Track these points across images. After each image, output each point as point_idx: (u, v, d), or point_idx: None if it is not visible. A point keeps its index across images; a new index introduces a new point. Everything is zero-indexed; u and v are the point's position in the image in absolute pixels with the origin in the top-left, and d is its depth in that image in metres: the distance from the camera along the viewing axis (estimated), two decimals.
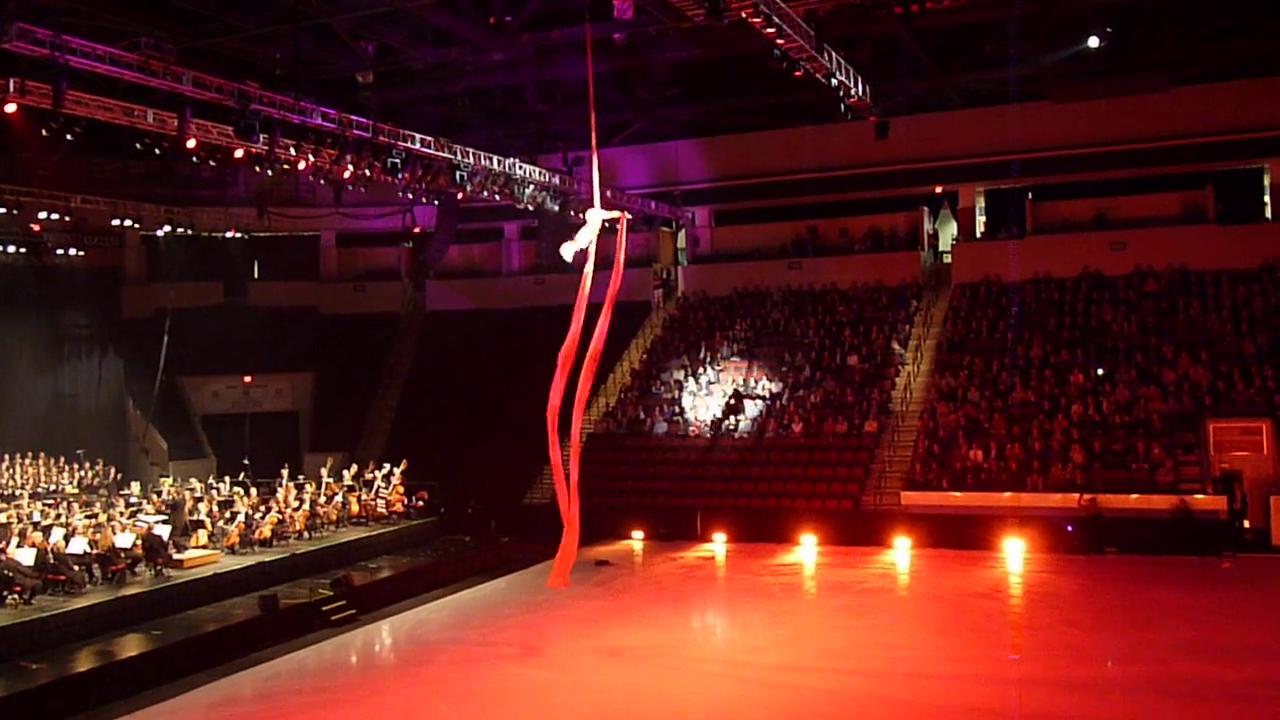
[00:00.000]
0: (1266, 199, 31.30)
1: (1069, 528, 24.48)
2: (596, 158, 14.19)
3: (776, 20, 18.04)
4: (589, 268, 13.29)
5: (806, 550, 25.98)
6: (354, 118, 22.41)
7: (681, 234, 38.45)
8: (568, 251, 13.12)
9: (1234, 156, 30.96)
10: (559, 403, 13.42)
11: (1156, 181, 32.17)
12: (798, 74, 20.43)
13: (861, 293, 34.21)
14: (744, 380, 32.08)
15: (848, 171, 34.29)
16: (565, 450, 13.96)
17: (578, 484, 13.27)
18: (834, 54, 21.22)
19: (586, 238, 13.44)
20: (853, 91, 22.42)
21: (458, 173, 25.56)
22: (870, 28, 23.43)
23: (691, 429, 31.07)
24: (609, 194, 30.79)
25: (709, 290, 36.66)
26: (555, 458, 13.15)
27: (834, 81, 21.61)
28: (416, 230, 35.76)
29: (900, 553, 25.22)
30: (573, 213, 28.17)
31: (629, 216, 13.19)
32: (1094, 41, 26.47)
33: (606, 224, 13.61)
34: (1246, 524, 24.34)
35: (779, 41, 18.81)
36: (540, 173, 28.31)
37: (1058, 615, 18.86)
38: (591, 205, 13.92)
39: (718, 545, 27.02)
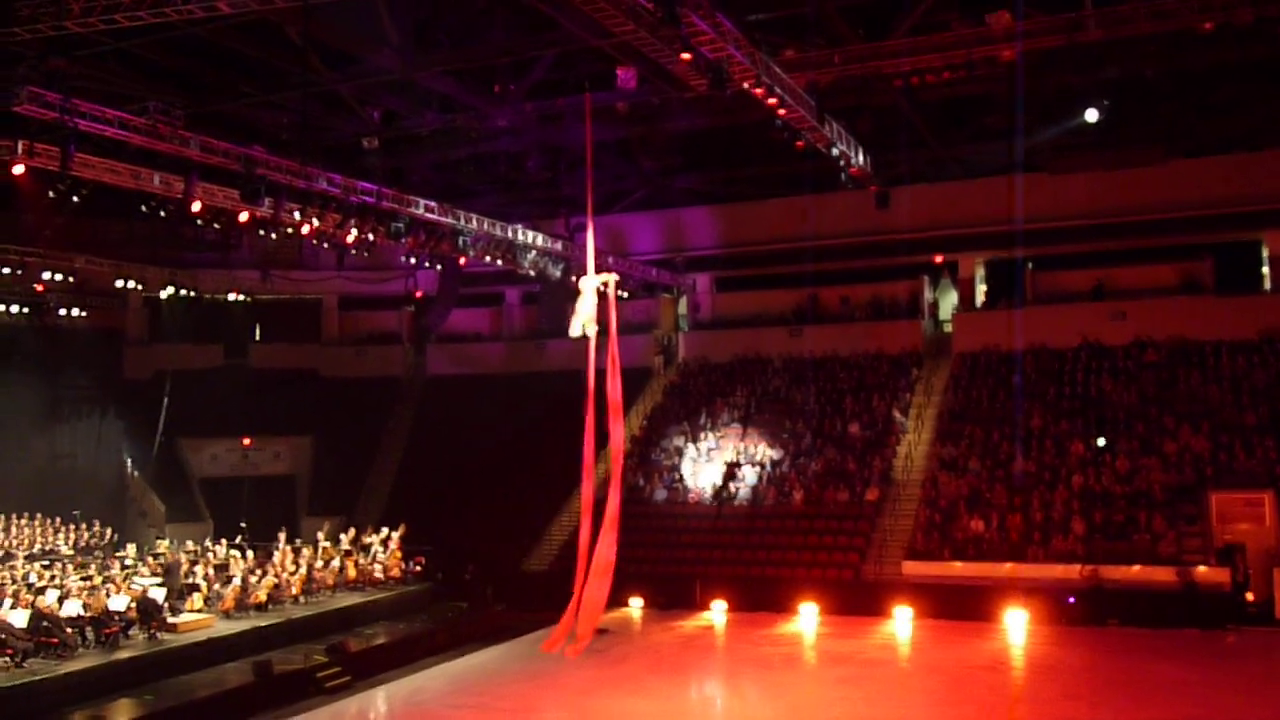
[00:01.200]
0: (1265, 270, 31.45)
1: (1071, 599, 24.31)
2: (592, 226, 14.18)
3: (778, 91, 18.36)
4: (593, 335, 13.26)
5: (807, 620, 25.75)
6: (359, 183, 22.71)
7: (683, 300, 38.66)
8: (576, 328, 13.03)
9: (1232, 228, 31.09)
10: (591, 490, 13.19)
11: (1155, 252, 32.31)
12: (799, 144, 20.74)
13: (862, 360, 34.31)
14: (744, 447, 32.08)
15: (848, 240, 34.54)
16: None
17: (606, 561, 12.83)
18: (835, 124, 21.57)
19: (586, 310, 13.32)
20: (854, 161, 22.75)
21: (460, 238, 25.90)
22: (871, 99, 23.77)
23: (691, 496, 31.01)
24: (610, 260, 31.00)
25: (710, 356, 36.75)
26: (584, 538, 12.85)
27: (835, 151, 21.94)
28: (418, 294, 36.01)
29: (901, 623, 24.96)
30: (573, 278, 28.45)
31: (616, 278, 13.07)
32: (1092, 115, 26.75)
33: (601, 288, 13.53)
34: (1250, 597, 24.15)
35: (781, 112, 19.11)
36: (542, 238, 28.60)
37: (1059, 688, 18.67)
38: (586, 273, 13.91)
39: (717, 614, 26.84)
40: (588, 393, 12.65)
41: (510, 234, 27.42)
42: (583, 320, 13.18)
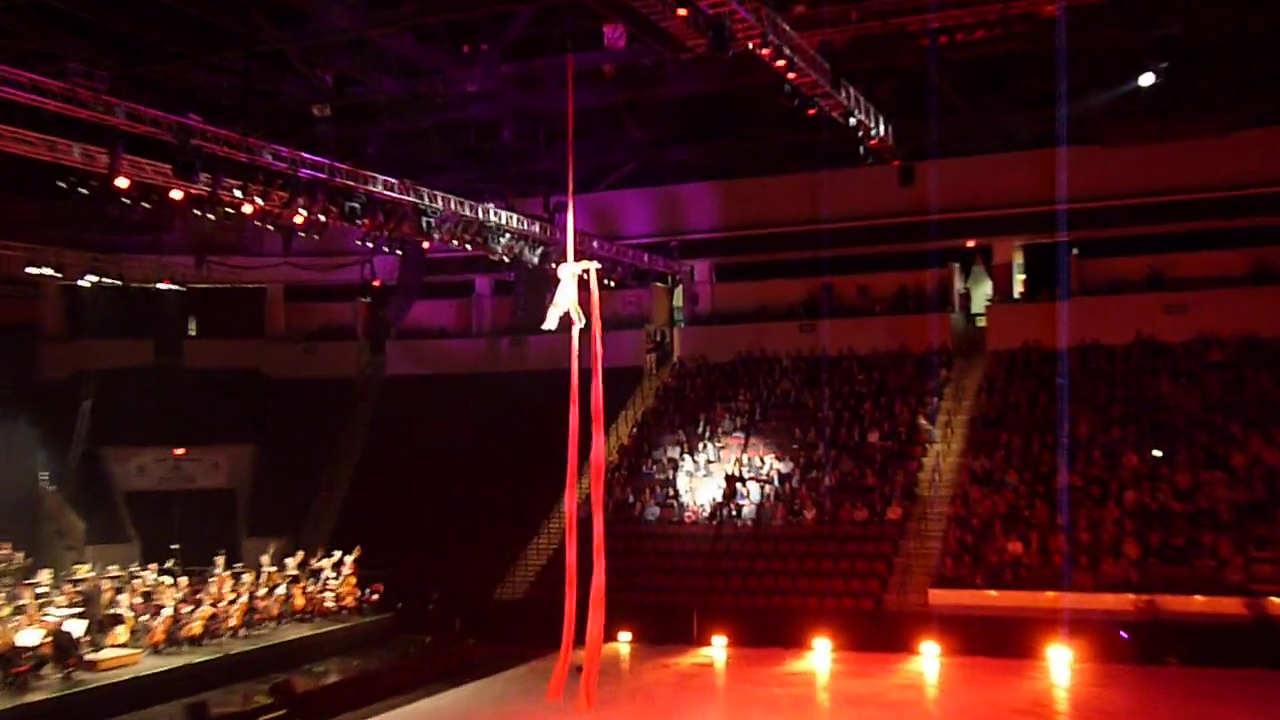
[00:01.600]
0: None
1: (1123, 634, 24.32)
2: (573, 205, 14.29)
3: (787, 52, 18.37)
4: (575, 332, 13.31)
5: (820, 656, 25.79)
6: (308, 156, 22.69)
7: (679, 290, 38.75)
8: (553, 320, 13.13)
9: None
10: (574, 505, 13.23)
11: (1221, 236, 32.26)
12: (811, 112, 20.71)
13: (883, 360, 34.39)
14: (748, 459, 32.21)
15: (868, 222, 34.67)
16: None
17: (602, 593, 12.90)
18: (852, 90, 21.57)
19: (565, 299, 13.38)
20: (873, 132, 22.75)
21: (424, 219, 25.85)
22: (893, 61, 23.80)
23: (688, 515, 31.10)
24: (595, 244, 31.28)
25: (709, 355, 36.83)
26: (570, 559, 12.92)
27: (852, 120, 21.94)
28: (376, 284, 35.99)
29: (928, 660, 25.01)
30: (553, 264, 28.49)
31: (597, 265, 13.16)
32: (1148, 79, 26.77)
33: (583, 276, 13.60)
34: None
35: (790, 75, 19.12)
36: (518, 219, 28.58)
37: None
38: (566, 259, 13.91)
39: (717, 649, 26.88)
40: (571, 396, 12.73)
41: (481, 214, 27.37)
42: (561, 312, 13.31)
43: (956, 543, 27.47)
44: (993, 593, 26.10)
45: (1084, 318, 32.28)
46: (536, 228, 29.24)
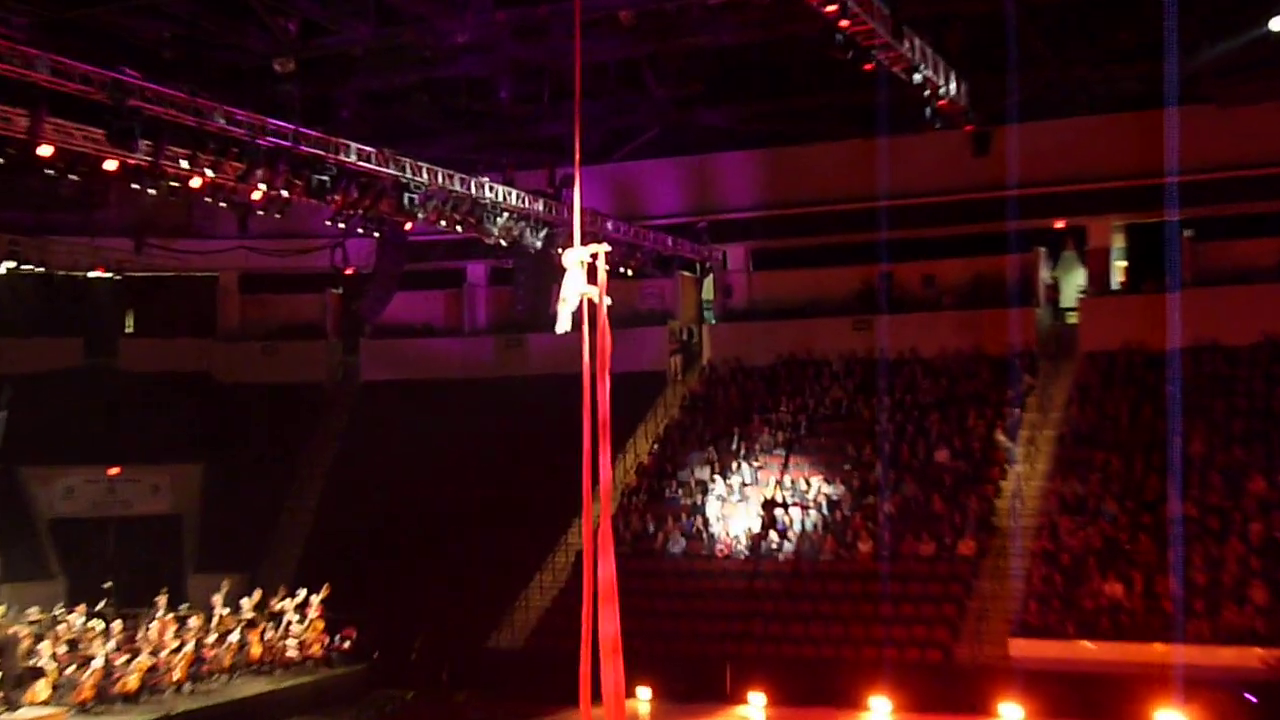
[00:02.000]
0: None
1: (1249, 696, 24.10)
2: (581, 179, 14.16)
3: None
4: (586, 330, 13.26)
5: (878, 718, 25.68)
6: (269, 120, 22.71)
7: (708, 281, 38.73)
8: (565, 320, 13.04)
9: None
10: (591, 537, 13.14)
11: None
12: (868, 67, 20.63)
13: (953, 363, 34.38)
14: (791, 482, 32.18)
15: (935, 199, 34.71)
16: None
17: (616, 642, 12.79)
18: (917, 41, 21.47)
19: (575, 292, 13.30)
20: (942, 90, 22.68)
21: (406, 195, 25.86)
22: (966, 6, 23.72)
23: (719, 548, 31.11)
24: (607, 225, 31.35)
25: (744, 358, 36.87)
26: (587, 602, 12.83)
27: (917, 77, 21.86)
28: (349, 272, 35.99)
29: None
30: (559, 250, 28.16)
31: (606, 248, 13.09)
32: (1277, 24, 26.51)
33: (591, 260, 13.52)
34: None
35: (843, 23, 19.05)
36: (518, 196, 28.62)
37: None
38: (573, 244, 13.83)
39: (754, 709, 26.81)
40: (584, 406, 12.65)
41: (474, 190, 27.40)
42: (572, 308, 13.23)
43: (1043, 583, 27.33)
44: (1087, 644, 25.95)
45: (1199, 313, 32.03)
46: (540, 205, 29.32)
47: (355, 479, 36.85)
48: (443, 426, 36.35)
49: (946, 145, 30.45)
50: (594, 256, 13.50)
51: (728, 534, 31.45)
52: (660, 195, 37.38)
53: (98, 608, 27.55)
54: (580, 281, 13.39)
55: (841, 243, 36.68)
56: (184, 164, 22.04)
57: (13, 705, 21.09)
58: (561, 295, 13.08)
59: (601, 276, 13.26)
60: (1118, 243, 35.13)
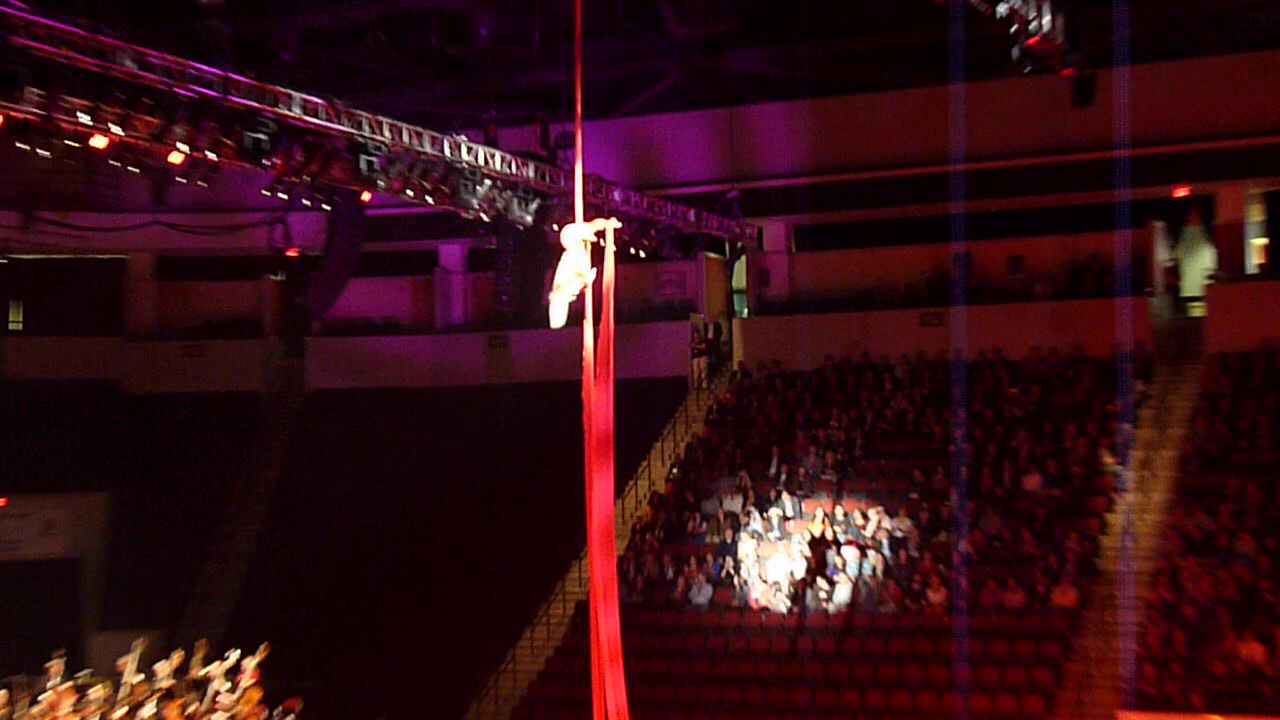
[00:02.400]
0: None
1: None
2: (580, 138, 14.19)
3: None
4: (588, 326, 13.33)
5: None
6: (190, 64, 22.70)
7: (741, 264, 38.85)
8: (559, 313, 13.12)
9: None
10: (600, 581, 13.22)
11: None
12: None
13: (1047, 367, 34.40)
14: (845, 515, 32.17)
15: (1024, 161, 34.66)
16: None
17: (623, 716, 12.91)
18: None
19: (573, 275, 13.35)
20: (1033, 25, 22.61)
21: (363, 158, 25.56)
22: None
23: (754, 598, 31.10)
24: (614, 195, 31.28)
25: (785, 360, 36.83)
26: (597, 669, 12.91)
27: (1001, 8, 21.84)
28: (292, 254, 36.20)
29: None
30: (554, 226, 28.52)
31: (617, 224, 13.11)
32: None
33: (596, 240, 13.56)
34: None
35: None
36: (503, 159, 28.47)
37: None
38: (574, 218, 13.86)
39: None
40: (585, 420, 12.64)
41: (448, 151, 27.15)
42: (569, 298, 13.29)
43: (1161, 643, 27.25)
44: (1216, 719, 25.96)
45: None
46: (530, 171, 29.11)
47: (300, 512, 36.81)
48: (410, 447, 36.42)
49: (1039, 94, 30.46)
50: (599, 234, 13.52)
51: (765, 581, 31.40)
52: (681, 158, 37.35)
53: None
54: (582, 265, 13.49)
55: (907, 216, 36.87)
56: (84, 118, 21.82)
57: None
58: (556, 282, 13.12)
59: (609, 259, 13.33)
60: (1255, 215, 35.07)
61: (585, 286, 13.35)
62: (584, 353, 13.10)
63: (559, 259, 13.23)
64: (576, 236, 13.29)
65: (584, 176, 14.05)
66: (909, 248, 37.32)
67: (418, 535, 34.17)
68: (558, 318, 12.99)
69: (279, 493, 38.32)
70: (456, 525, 34.02)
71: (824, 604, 30.66)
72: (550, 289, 13.15)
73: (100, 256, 39.38)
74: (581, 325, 13.11)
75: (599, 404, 12.87)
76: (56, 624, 32.71)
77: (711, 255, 38.18)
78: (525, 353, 37.02)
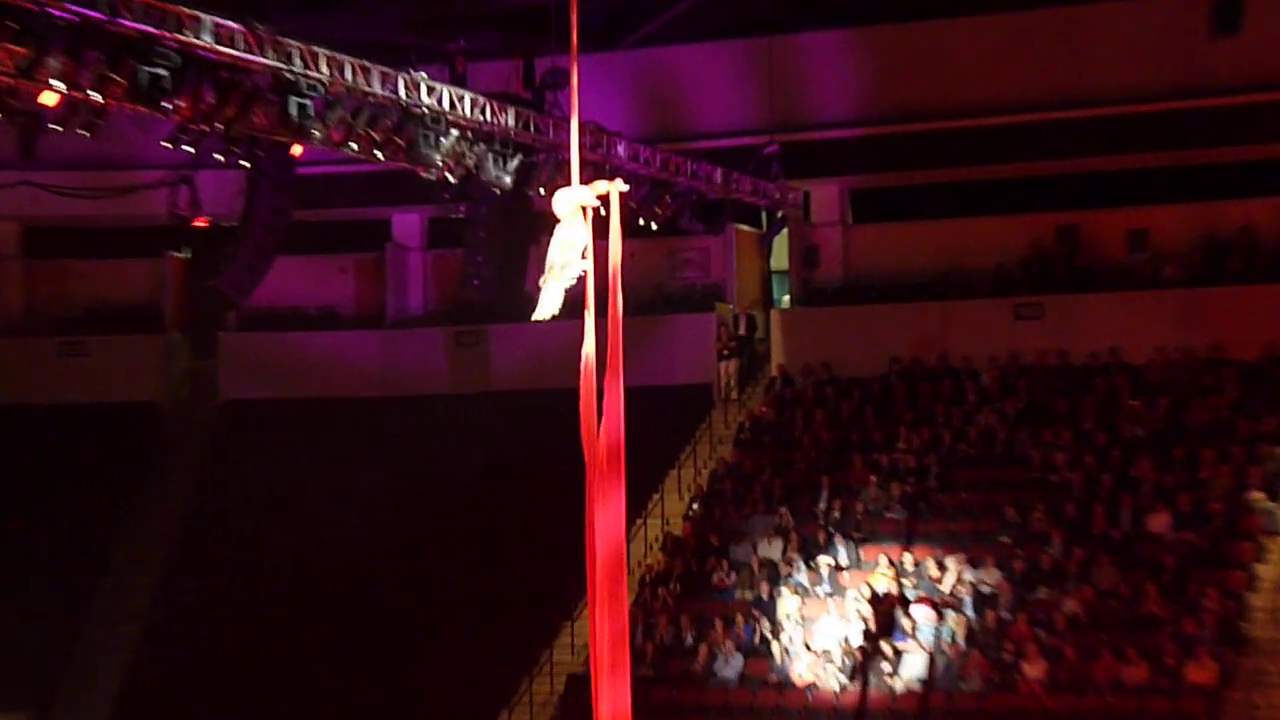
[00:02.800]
0: None
1: None
2: (576, 75, 13.87)
3: None
4: (589, 318, 12.95)
5: None
6: None
7: (781, 239, 38.65)
8: (549, 301, 12.82)
9: None
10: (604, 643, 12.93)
11: None
12: None
13: (1178, 374, 34.18)
14: (916, 565, 32.00)
15: (1147, 107, 34.41)
16: None
17: None
18: None
19: (570, 253, 13.08)
20: None
21: (293, 100, 25.52)
22: None
23: (799, 672, 30.83)
24: (618, 148, 31.02)
25: (839, 363, 36.75)
26: None
27: None
28: (201, 224, 36.08)
29: None
30: (541, 189, 28.39)
31: (622, 187, 12.86)
32: None
33: (598, 208, 13.29)
34: None
35: None
36: (474, 102, 28.34)
37: None
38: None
39: None
40: (584, 440, 12.36)
41: (404, 92, 26.94)
42: (566, 282, 12.93)
43: None
44: None
45: None
46: (510, 118, 29.01)
47: (211, 560, 36.81)
48: (352, 475, 36.41)
49: (1167, 18, 30.15)
50: (601, 200, 13.29)
51: (812, 649, 31.17)
52: (705, 101, 37.39)
53: None
54: (580, 240, 13.24)
55: (996, 178, 36.89)
56: None
57: None
58: (549, 263, 12.87)
59: (614, 232, 13.06)
60: None
61: (586, 269, 13.11)
62: (584, 353, 12.80)
63: (549, 233, 12.93)
64: (572, 203, 13.10)
65: (580, 125, 13.94)
66: (999, 219, 37.28)
67: (361, 590, 34.07)
68: (549, 307, 12.70)
69: (183, 535, 38.11)
70: (412, 578, 34.02)
71: (889, 680, 30.34)
72: (542, 272, 12.98)
73: None
74: (576, 317, 12.83)
75: (609, 410, 12.71)
76: None
77: (744, 228, 38.00)
78: (504, 353, 37.07)
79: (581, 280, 12.99)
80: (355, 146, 27.09)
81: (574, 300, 12.67)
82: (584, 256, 12.87)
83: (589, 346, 12.58)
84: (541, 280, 12.57)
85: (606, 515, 12.54)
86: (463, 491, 35.09)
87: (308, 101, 25.42)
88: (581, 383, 12.61)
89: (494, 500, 34.48)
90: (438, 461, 35.73)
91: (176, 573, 37.31)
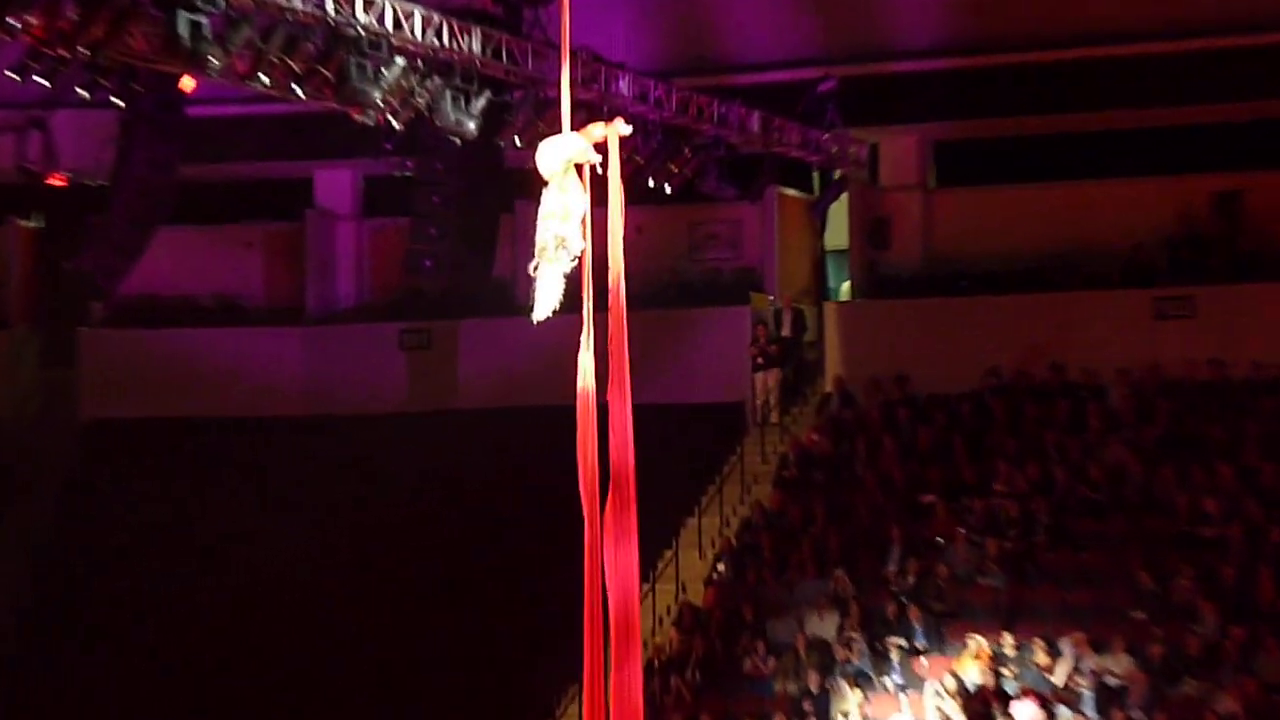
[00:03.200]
0: None
1: None
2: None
3: None
4: (587, 313, 12.40)
5: None
6: None
7: (837, 208, 38.16)
8: (547, 296, 12.48)
9: None
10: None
11: None
12: None
13: None
14: (1019, 649, 31.71)
15: None
16: None
17: None
18: None
19: (566, 227, 12.72)
20: None
21: (183, 16, 25.03)
22: None
23: None
24: (621, 85, 31.01)
25: (916, 374, 36.39)
26: None
27: None
28: (58, 182, 35.77)
29: None
30: (517, 140, 28.34)
31: (625, 130, 12.82)
32: None
33: (598, 165, 13.07)
34: None
35: None
36: (429, 20, 27.73)
37: None
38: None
39: None
40: (581, 471, 12.28)
41: (334, 8, 26.63)
42: (564, 266, 12.76)
43: None
44: None
45: None
46: (476, 42, 28.84)
47: (74, 627, 36.75)
48: (265, 518, 36.00)
49: None
50: (600, 150, 12.77)
51: None
52: (740, 22, 37.32)
53: None
54: (576, 208, 12.76)
55: (1129, 128, 36.71)
56: None
57: None
58: (538, 241, 12.49)
59: (614, 197, 12.57)
60: None
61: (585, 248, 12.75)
62: (580, 364, 12.47)
63: (530, 199, 12.77)
64: (562, 158, 12.61)
65: (571, 52, 13.89)
66: (1134, 182, 37.22)
67: (277, 666, 33.96)
68: (549, 302, 12.28)
69: (36, 592, 38.10)
70: (356, 640, 33.95)
71: None
72: (515, 249, 12.23)
73: None
74: (582, 316, 12.45)
75: (614, 433, 12.44)
76: None
77: (789, 192, 37.92)
78: (471, 357, 36.87)
79: (579, 263, 12.54)
80: (266, 80, 27.08)
81: (570, 290, 12.24)
82: (584, 230, 12.40)
83: (586, 358, 12.38)
84: (531, 267, 12.15)
85: (614, 571, 12.58)
86: (414, 538, 35.11)
87: (202, 19, 25.23)
88: (578, 402, 12.55)
89: (457, 548, 34.69)
90: (381, 501, 35.59)
91: (22, 644, 37.14)
